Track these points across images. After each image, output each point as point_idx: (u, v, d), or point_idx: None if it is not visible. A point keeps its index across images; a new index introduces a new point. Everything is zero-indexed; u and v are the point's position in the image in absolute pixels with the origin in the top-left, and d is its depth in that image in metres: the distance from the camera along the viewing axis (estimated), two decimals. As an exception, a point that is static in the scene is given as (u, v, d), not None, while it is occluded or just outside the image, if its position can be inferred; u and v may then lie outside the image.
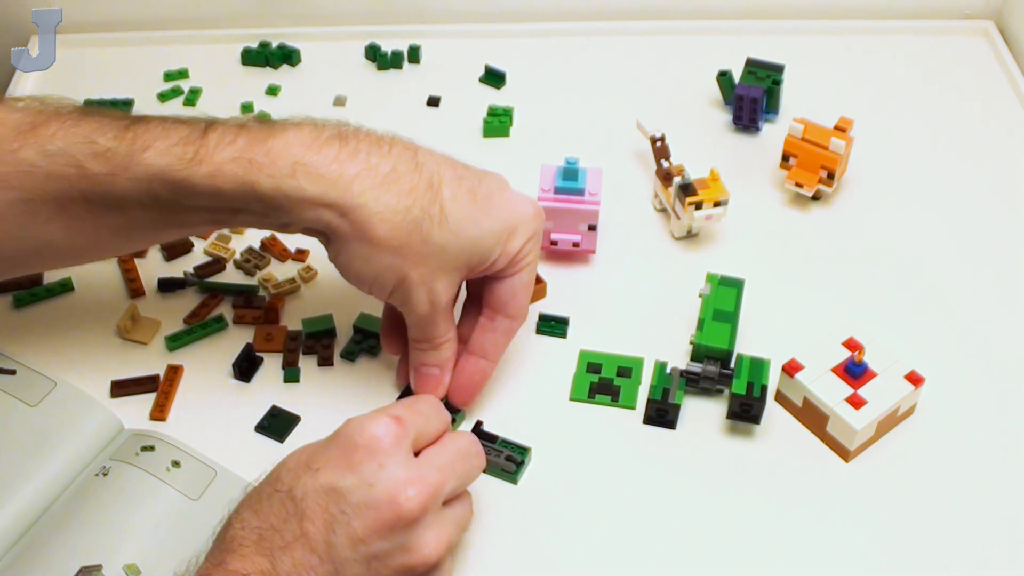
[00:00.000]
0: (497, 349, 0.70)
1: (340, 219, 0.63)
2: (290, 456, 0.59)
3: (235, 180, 0.62)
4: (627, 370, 0.74)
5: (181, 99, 0.94)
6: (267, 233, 0.82)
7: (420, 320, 0.67)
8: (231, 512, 0.58)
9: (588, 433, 0.71)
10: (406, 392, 0.71)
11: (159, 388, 0.72)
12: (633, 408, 0.72)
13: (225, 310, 0.78)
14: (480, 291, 0.70)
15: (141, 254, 0.81)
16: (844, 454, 0.69)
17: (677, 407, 0.71)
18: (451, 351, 0.69)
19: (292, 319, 0.77)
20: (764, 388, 0.69)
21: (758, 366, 0.70)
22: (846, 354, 0.71)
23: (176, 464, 0.67)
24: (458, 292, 0.70)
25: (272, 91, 0.95)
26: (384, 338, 0.72)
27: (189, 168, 0.62)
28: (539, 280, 0.78)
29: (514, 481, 0.68)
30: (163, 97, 0.93)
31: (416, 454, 0.59)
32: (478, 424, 0.69)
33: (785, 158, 0.85)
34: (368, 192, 0.63)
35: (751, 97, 0.89)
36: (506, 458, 0.68)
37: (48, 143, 0.62)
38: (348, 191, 0.63)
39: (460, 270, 0.66)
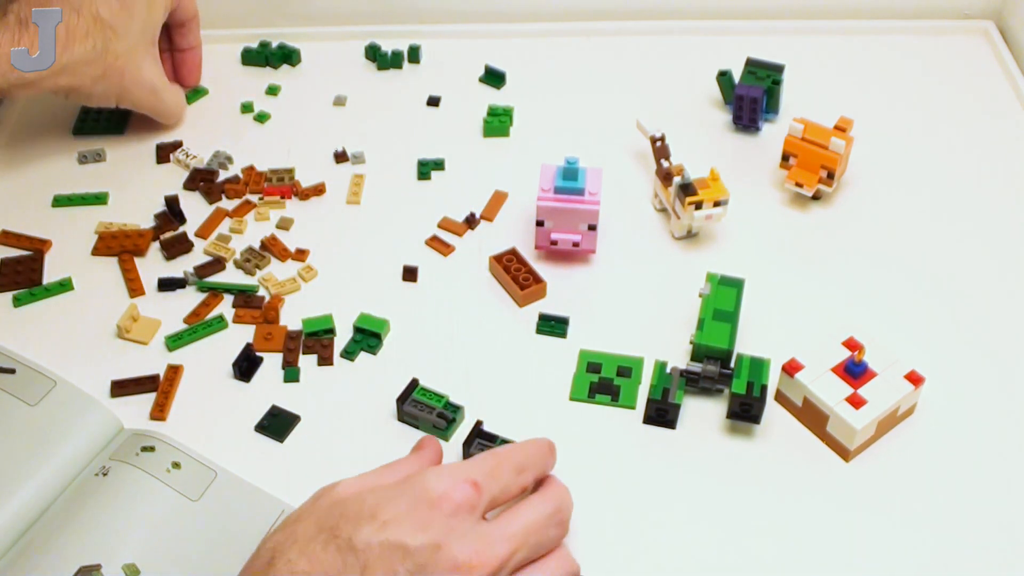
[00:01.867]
0: (197, 34, 0.91)
1: None
2: (348, 498, 0.56)
3: None
4: (627, 370, 0.74)
5: (181, 99, 0.94)
6: (267, 232, 0.82)
7: (155, 108, 0.87)
8: (271, 544, 0.55)
9: (588, 433, 0.71)
10: None
11: (159, 388, 0.72)
12: (633, 408, 0.72)
13: (225, 310, 0.78)
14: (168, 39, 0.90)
15: (142, 252, 0.81)
16: (844, 454, 0.69)
17: (677, 407, 0.71)
18: (182, 105, 0.90)
19: (292, 319, 0.77)
20: (764, 388, 0.69)
21: (758, 366, 0.70)
22: (846, 354, 0.71)
23: (176, 465, 0.67)
24: (159, 63, 0.87)
25: (272, 91, 0.95)
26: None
27: None
28: (539, 280, 0.78)
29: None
30: (163, 97, 0.94)
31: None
32: (478, 424, 0.69)
33: (785, 158, 0.85)
34: None
35: (751, 97, 0.89)
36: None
37: None
38: None
39: (147, 42, 0.83)
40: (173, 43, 0.92)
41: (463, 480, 0.57)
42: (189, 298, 0.78)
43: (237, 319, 0.77)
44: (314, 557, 0.54)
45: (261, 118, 0.93)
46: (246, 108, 0.93)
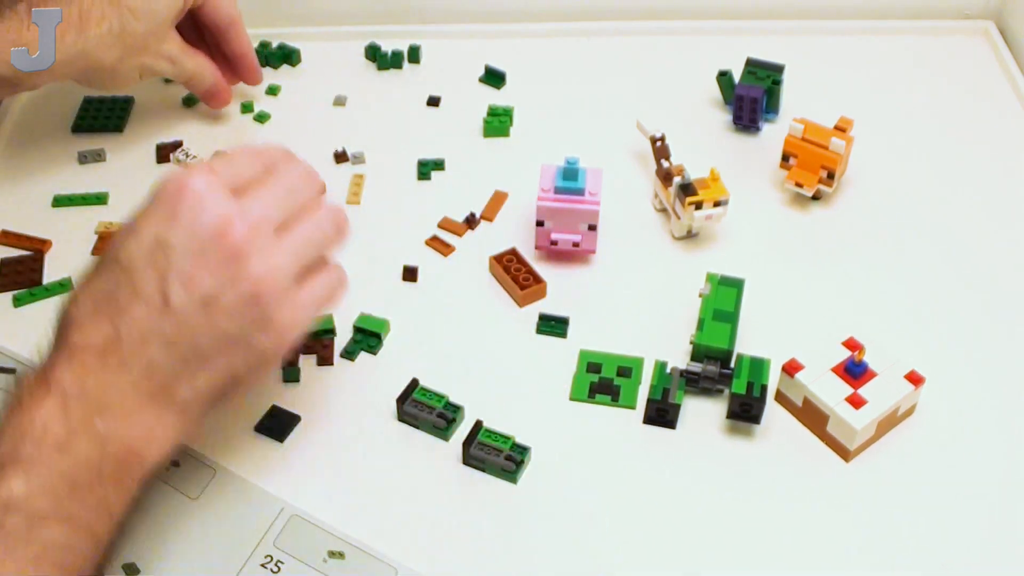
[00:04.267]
0: (244, 40, 0.89)
1: None
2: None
3: None
4: (627, 370, 0.74)
5: (181, 99, 0.94)
6: (267, 233, 0.82)
7: (175, 75, 0.86)
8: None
9: (588, 433, 0.71)
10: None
11: (159, 388, 0.72)
12: (633, 408, 0.72)
13: (225, 310, 0.77)
14: (200, 32, 0.88)
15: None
16: (844, 454, 0.69)
17: (677, 407, 0.71)
18: (208, 69, 0.87)
19: (292, 319, 0.77)
20: (764, 388, 0.69)
21: (758, 366, 0.70)
22: (846, 354, 0.71)
23: (175, 463, 0.67)
24: (179, 40, 0.85)
25: (272, 91, 0.95)
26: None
27: None
28: (539, 280, 0.78)
29: (514, 481, 0.68)
30: (163, 96, 0.93)
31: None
32: (478, 424, 0.69)
33: (785, 158, 0.84)
34: None
35: (751, 97, 0.89)
36: (506, 458, 0.68)
37: None
38: None
39: (168, 23, 0.82)
40: (222, 49, 0.89)
41: (196, 168, 0.59)
42: (189, 298, 0.78)
43: (237, 319, 0.77)
44: (91, 286, 0.58)
45: (261, 118, 0.93)
46: (246, 108, 0.93)
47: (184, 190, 0.58)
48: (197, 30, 0.88)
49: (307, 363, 0.75)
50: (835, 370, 0.70)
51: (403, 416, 0.71)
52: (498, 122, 0.91)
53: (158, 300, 0.56)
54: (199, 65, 0.87)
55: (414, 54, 0.98)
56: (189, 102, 0.93)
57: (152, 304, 0.56)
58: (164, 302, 0.56)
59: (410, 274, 0.80)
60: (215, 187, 0.58)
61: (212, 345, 0.58)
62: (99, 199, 0.85)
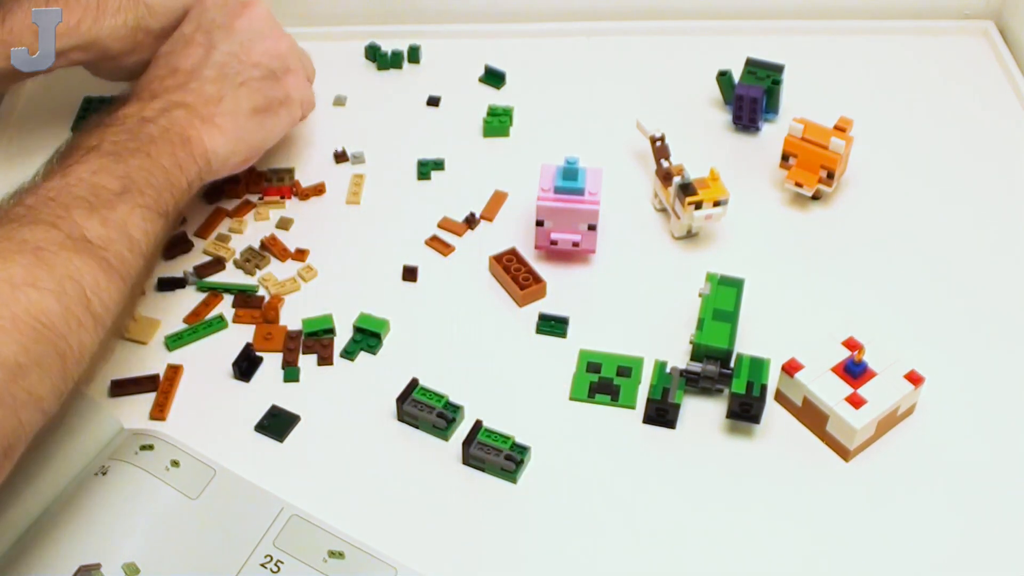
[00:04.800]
0: None
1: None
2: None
3: None
4: (627, 370, 0.74)
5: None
6: (267, 232, 0.83)
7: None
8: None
9: (588, 433, 0.71)
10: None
11: (159, 388, 0.72)
12: (633, 408, 0.72)
13: (225, 310, 0.78)
14: None
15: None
16: (844, 454, 0.69)
17: (677, 407, 0.71)
18: None
19: (292, 319, 0.77)
20: (764, 388, 0.69)
21: (758, 366, 0.70)
22: (846, 354, 0.71)
23: (175, 463, 0.67)
24: None
25: (272, 91, 0.95)
26: None
27: None
28: (539, 280, 0.78)
29: (514, 480, 0.68)
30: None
31: None
32: (478, 424, 0.69)
33: (785, 158, 0.85)
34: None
35: (751, 97, 0.89)
36: (506, 457, 0.68)
37: None
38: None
39: None
40: None
41: None
42: (189, 298, 0.78)
43: (237, 319, 0.77)
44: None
45: (261, 118, 0.93)
46: (246, 108, 0.93)
47: None
48: None
49: (307, 363, 0.75)
50: (835, 370, 0.70)
51: (403, 416, 0.71)
52: (498, 122, 0.91)
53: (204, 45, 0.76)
54: None
55: (414, 54, 0.98)
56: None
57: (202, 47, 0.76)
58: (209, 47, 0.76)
59: (410, 274, 0.80)
60: None
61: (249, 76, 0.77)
62: (99, 199, 0.85)
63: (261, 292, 0.79)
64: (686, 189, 0.79)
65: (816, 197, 0.85)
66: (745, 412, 0.69)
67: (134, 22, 0.79)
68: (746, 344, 0.74)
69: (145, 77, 0.78)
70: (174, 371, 0.73)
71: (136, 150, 0.69)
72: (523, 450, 0.69)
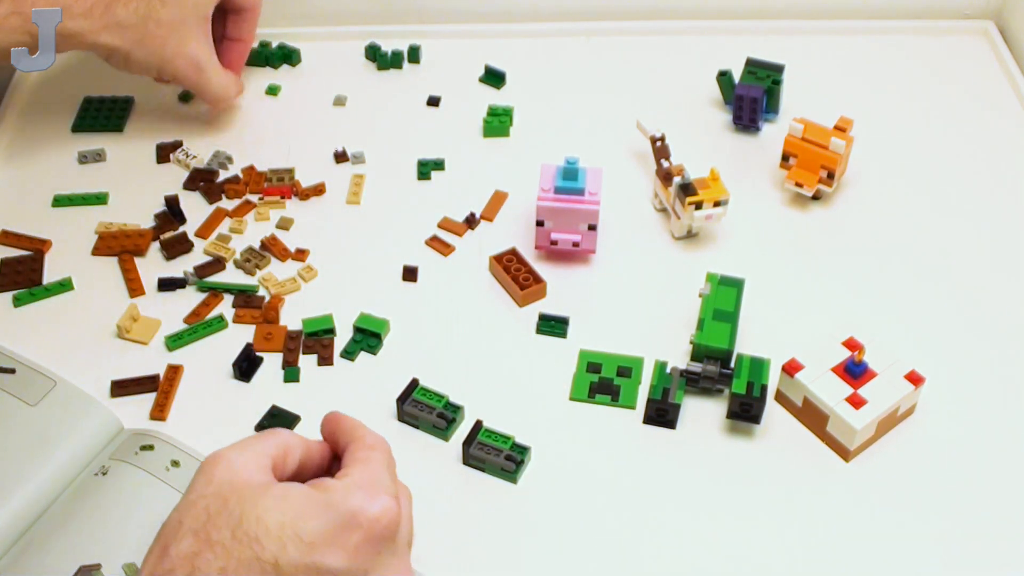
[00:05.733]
0: (251, 31, 0.88)
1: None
2: (266, 511, 0.52)
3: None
4: (627, 370, 0.74)
5: (178, 96, 0.94)
6: (267, 232, 0.82)
7: (199, 86, 0.84)
8: (184, 548, 0.51)
9: (588, 433, 0.71)
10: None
11: (159, 388, 0.72)
12: (633, 408, 0.72)
13: (225, 310, 0.78)
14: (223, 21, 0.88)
15: (142, 252, 0.81)
16: (844, 454, 0.69)
17: (677, 407, 0.71)
18: (233, 90, 0.87)
19: (292, 319, 0.77)
20: (764, 388, 0.69)
21: (758, 366, 0.70)
22: (846, 354, 0.71)
23: (175, 464, 0.67)
24: (210, 42, 0.84)
25: (272, 91, 0.95)
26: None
27: None
28: (539, 280, 0.78)
29: (514, 481, 0.68)
30: (163, 96, 0.93)
31: None
32: (478, 424, 0.69)
33: (785, 158, 0.85)
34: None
35: (751, 97, 0.89)
36: (506, 457, 0.68)
37: None
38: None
39: (198, 16, 0.81)
40: (226, 30, 0.89)
41: (387, 497, 0.55)
42: (189, 298, 0.78)
43: (237, 319, 0.77)
44: (230, 569, 0.50)
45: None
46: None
47: (370, 528, 0.53)
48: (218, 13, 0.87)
49: (307, 363, 0.75)
50: (835, 370, 0.70)
51: (403, 416, 0.71)
52: (498, 122, 0.91)
53: None
54: (224, 86, 0.87)
55: (414, 54, 0.98)
56: (186, 98, 0.93)
57: None
58: None
59: (410, 274, 0.80)
60: (395, 533, 0.55)
61: None
62: (99, 199, 0.85)
63: (261, 292, 0.79)
64: (686, 189, 0.79)
65: (816, 197, 0.85)
66: (745, 412, 0.69)
67: (145, 11, 0.79)
68: (746, 344, 0.74)
69: None
70: (174, 371, 0.73)
71: None
72: (523, 450, 0.69)
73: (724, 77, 0.92)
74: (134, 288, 0.78)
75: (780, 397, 0.72)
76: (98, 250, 0.81)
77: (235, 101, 0.91)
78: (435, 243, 0.82)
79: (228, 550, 0.51)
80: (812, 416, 0.70)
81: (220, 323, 0.76)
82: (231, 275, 0.80)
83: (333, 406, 0.71)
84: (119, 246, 0.81)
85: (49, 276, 0.79)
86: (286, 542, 0.51)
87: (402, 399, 0.71)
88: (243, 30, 0.90)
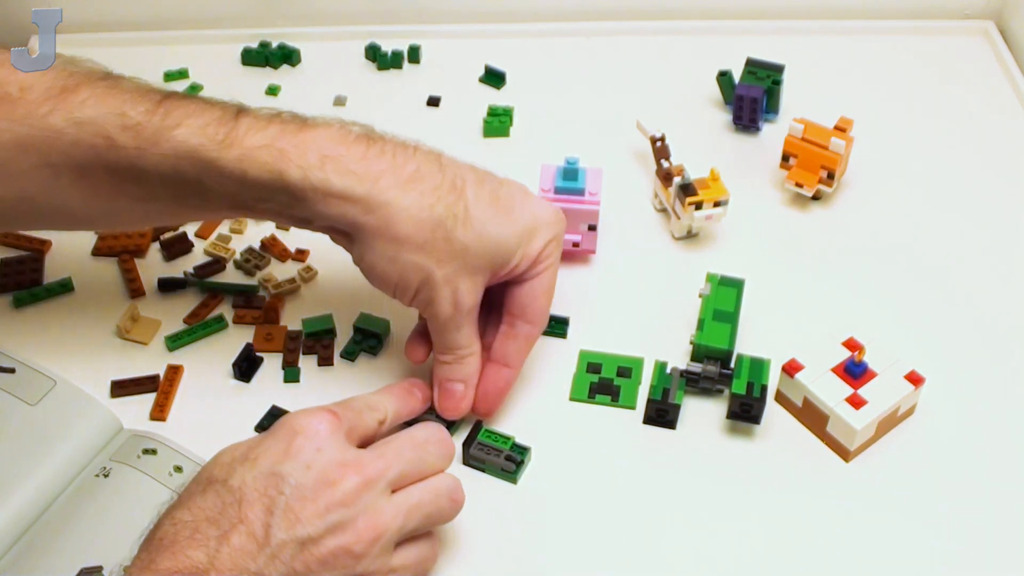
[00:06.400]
0: (519, 356, 0.70)
1: (365, 215, 0.63)
2: (221, 453, 0.59)
3: (264, 167, 0.62)
4: (627, 370, 0.74)
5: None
6: (267, 233, 0.82)
7: (445, 324, 0.67)
8: (160, 514, 0.57)
9: (588, 433, 0.71)
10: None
11: (159, 388, 0.72)
12: (633, 408, 0.72)
13: (225, 310, 0.78)
14: (501, 298, 0.70)
15: (142, 252, 0.81)
16: (844, 454, 0.69)
17: (677, 407, 0.71)
18: (475, 366, 0.69)
19: (292, 319, 0.77)
20: (764, 388, 0.69)
21: (758, 366, 0.70)
22: (846, 354, 0.71)
23: (178, 469, 0.67)
24: (480, 298, 0.67)
25: (272, 91, 0.95)
26: (409, 345, 0.71)
27: (219, 150, 0.62)
28: (540, 281, 0.77)
29: (514, 481, 0.68)
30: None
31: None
32: (478, 424, 0.69)
33: (785, 158, 0.85)
34: (393, 189, 0.64)
35: (751, 97, 0.89)
36: (506, 458, 0.68)
37: (78, 111, 0.61)
38: (374, 187, 0.63)
39: (483, 271, 0.66)
40: (486, 338, 0.71)
41: (324, 411, 0.60)
42: (189, 298, 0.78)
43: (237, 319, 0.77)
44: (194, 506, 0.56)
45: (261, 118, 0.92)
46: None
47: (306, 430, 0.58)
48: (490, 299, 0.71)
49: (307, 363, 0.75)
50: (835, 370, 0.70)
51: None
52: (498, 122, 0.91)
53: (260, 532, 0.55)
54: (469, 345, 0.69)
55: (414, 54, 0.98)
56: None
57: (254, 534, 0.55)
58: (265, 534, 0.55)
59: (410, 274, 0.80)
60: (337, 432, 0.59)
61: None
62: (99, 199, 0.85)
63: (261, 293, 0.79)
64: (686, 189, 0.79)
65: (816, 197, 0.85)
66: (745, 413, 0.69)
67: (443, 212, 0.65)
68: (746, 344, 0.74)
69: None
70: (174, 371, 0.73)
71: None
72: (523, 450, 0.69)
73: (724, 77, 0.92)
74: (134, 288, 0.78)
75: (780, 397, 0.72)
76: (98, 250, 0.81)
77: (457, 388, 0.70)
78: (435, 243, 0.82)
79: (191, 496, 0.57)
80: (812, 416, 0.70)
81: (220, 323, 0.76)
82: (231, 275, 0.80)
83: (333, 406, 0.72)
84: (119, 246, 0.81)
85: (49, 276, 0.79)
86: (235, 465, 0.57)
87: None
88: (507, 352, 0.70)
